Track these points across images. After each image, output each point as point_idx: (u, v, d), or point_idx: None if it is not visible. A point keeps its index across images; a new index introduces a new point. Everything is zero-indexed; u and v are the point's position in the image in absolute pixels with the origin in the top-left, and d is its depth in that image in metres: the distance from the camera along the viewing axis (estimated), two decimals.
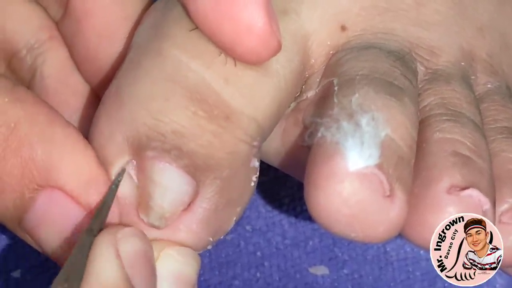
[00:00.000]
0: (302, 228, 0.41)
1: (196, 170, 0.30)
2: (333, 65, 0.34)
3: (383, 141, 0.30)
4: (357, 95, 0.31)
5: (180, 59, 0.31)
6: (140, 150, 0.30)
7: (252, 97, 0.31)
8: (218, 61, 0.31)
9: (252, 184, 0.32)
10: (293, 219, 0.41)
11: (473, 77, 0.35)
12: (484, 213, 0.31)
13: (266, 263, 0.41)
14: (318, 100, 0.33)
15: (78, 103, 0.34)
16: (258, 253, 0.41)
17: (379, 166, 0.30)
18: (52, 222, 0.30)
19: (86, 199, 0.30)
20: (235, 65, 0.31)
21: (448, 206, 0.31)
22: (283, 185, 0.41)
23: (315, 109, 0.33)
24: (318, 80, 0.34)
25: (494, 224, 0.31)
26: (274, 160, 0.35)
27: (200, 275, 0.32)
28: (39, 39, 0.35)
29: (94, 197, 0.30)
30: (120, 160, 0.31)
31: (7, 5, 0.34)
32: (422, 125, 0.33)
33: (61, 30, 0.35)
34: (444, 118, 0.33)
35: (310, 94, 0.34)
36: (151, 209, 0.30)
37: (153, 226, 0.30)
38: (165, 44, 0.31)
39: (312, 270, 0.40)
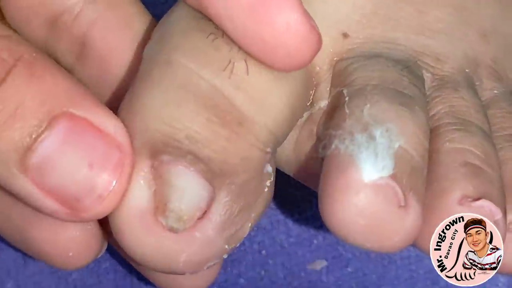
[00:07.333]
0: (306, 226, 0.41)
1: (212, 176, 0.31)
2: (340, 74, 0.34)
3: (396, 152, 0.30)
4: (368, 105, 0.31)
5: (190, 67, 0.31)
6: (156, 155, 0.30)
7: (263, 104, 0.31)
8: (228, 68, 0.31)
9: (266, 189, 0.32)
10: (297, 217, 0.41)
11: (478, 83, 0.35)
12: (496, 223, 0.31)
13: (270, 261, 0.41)
14: (329, 110, 0.33)
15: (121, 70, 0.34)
16: (263, 252, 0.41)
17: (393, 177, 0.30)
18: (70, 149, 0.30)
19: (111, 131, 0.30)
20: (247, 73, 0.31)
21: None
22: (287, 184, 0.41)
23: (327, 120, 0.33)
24: (328, 89, 0.34)
25: (505, 233, 0.32)
26: (288, 170, 0.35)
27: None
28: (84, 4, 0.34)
29: (118, 132, 0.30)
30: (139, 164, 0.31)
31: None
32: (432, 135, 0.33)
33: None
34: (454, 127, 0.33)
35: (322, 104, 0.34)
36: (169, 211, 0.30)
37: (171, 229, 0.30)
38: (174, 55, 0.31)
39: (310, 266, 0.41)
